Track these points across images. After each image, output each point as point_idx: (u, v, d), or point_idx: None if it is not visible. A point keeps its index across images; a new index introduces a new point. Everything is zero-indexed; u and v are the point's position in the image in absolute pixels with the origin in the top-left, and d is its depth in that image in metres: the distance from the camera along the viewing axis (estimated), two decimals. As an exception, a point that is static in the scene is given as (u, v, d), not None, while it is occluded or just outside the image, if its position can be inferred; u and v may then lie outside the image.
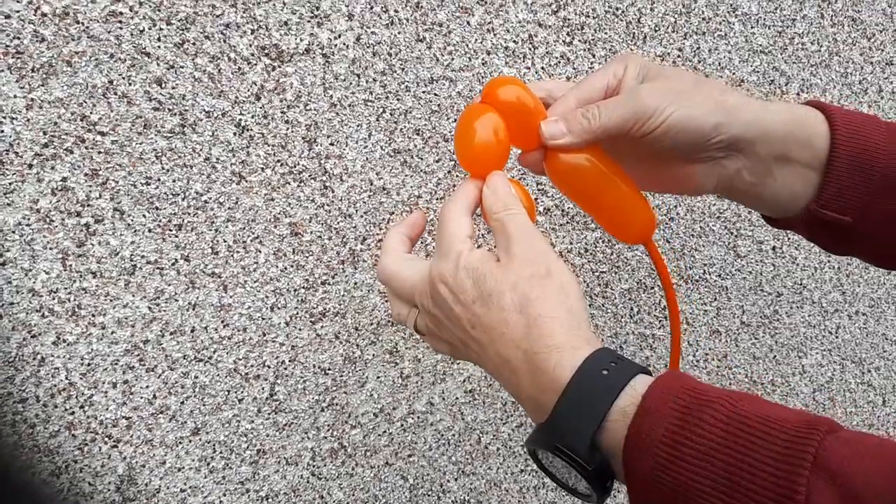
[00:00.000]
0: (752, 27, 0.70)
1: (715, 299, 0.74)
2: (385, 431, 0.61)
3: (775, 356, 0.80)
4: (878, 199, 0.41)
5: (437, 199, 0.59)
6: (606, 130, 0.40)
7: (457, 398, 0.64)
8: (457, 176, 0.60)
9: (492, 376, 0.40)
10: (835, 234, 0.42)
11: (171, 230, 0.51)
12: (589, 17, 0.62)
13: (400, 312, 0.45)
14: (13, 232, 0.46)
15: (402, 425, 0.62)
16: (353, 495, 0.61)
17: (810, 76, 0.74)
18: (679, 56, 0.67)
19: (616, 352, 0.35)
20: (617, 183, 0.43)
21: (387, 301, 0.59)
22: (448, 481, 0.65)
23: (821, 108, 0.43)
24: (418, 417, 0.62)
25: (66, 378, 0.49)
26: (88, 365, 0.50)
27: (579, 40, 0.62)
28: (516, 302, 0.36)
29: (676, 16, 0.66)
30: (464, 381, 0.64)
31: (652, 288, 0.70)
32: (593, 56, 0.63)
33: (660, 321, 0.71)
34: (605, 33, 0.63)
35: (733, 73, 0.70)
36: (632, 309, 0.70)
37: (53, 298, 0.48)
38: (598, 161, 0.42)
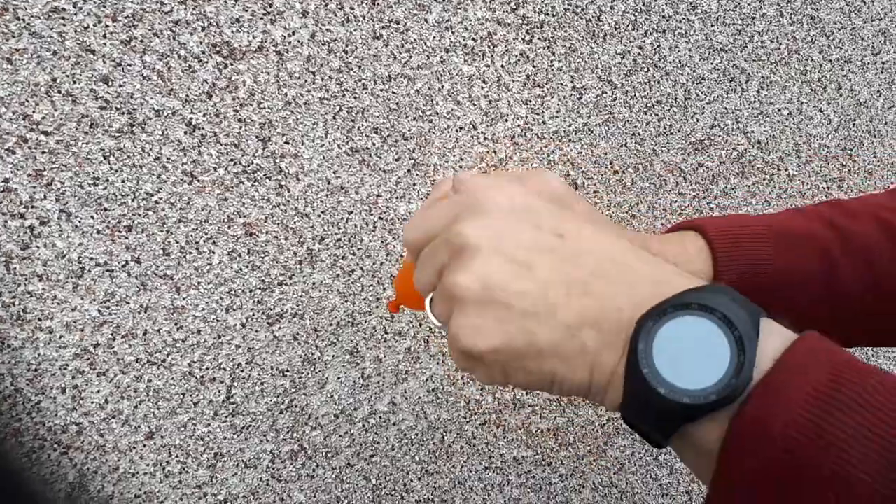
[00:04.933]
0: (711, 25, 0.70)
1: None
2: (346, 432, 0.60)
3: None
4: (769, 304, 0.39)
5: (396, 197, 0.59)
6: None
7: (419, 397, 0.63)
8: (416, 175, 0.59)
9: (572, 313, 0.28)
10: None
11: (120, 231, 0.49)
12: (548, 14, 0.62)
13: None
14: (-47, 235, 0.45)
15: (363, 426, 0.61)
16: (315, 497, 0.60)
17: (770, 74, 0.75)
18: (640, 54, 0.67)
19: None
20: None
21: (347, 301, 0.58)
22: (412, 481, 0.65)
23: (695, 228, 0.42)
24: (380, 418, 0.62)
25: (12, 384, 0.48)
26: (35, 370, 0.49)
27: (539, 38, 0.62)
28: (615, 230, 0.34)
29: (636, 14, 0.66)
30: (426, 380, 0.63)
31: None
32: (553, 54, 0.63)
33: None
34: (565, 31, 0.63)
35: (694, 71, 0.70)
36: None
37: (-3, 303, 0.47)
38: None
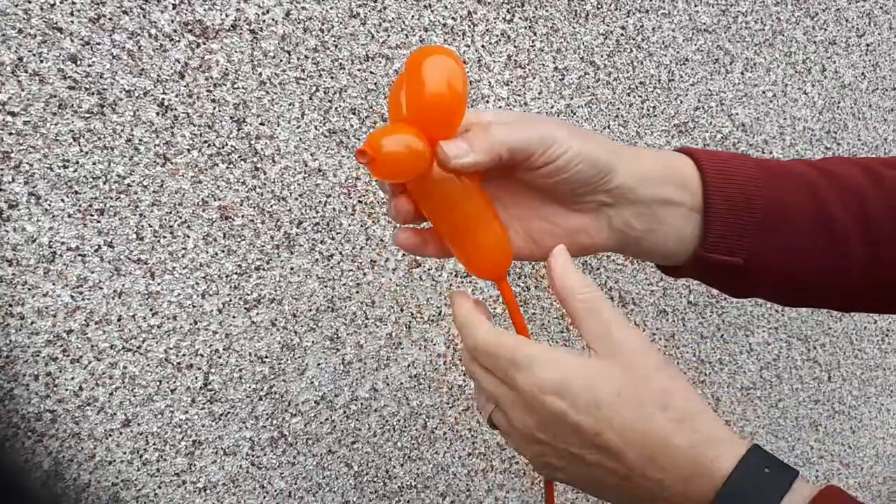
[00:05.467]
0: (695, 5, 0.70)
1: (661, 279, 0.74)
2: (327, 419, 0.60)
3: (723, 335, 0.81)
4: (763, 236, 0.40)
5: (375, 181, 0.58)
6: (511, 149, 0.37)
7: (401, 383, 0.63)
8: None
9: (611, 492, 0.36)
10: (730, 276, 0.42)
11: (92, 215, 0.48)
12: (529, -6, 0.61)
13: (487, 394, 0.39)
14: (-83, 218, 0.44)
15: (344, 412, 0.61)
16: (296, 484, 0.59)
17: (754, 55, 0.74)
18: (622, 34, 0.66)
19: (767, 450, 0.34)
20: (487, 209, 0.39)
21: (326, 286, 0.58)
22: (394, 467, 0.64)
23: (686, 153, 0.42)
24: (362, 404, 0.61)
25: (-18, 371, 0.47)
26: (7, 357, 0.48)
27: (520, 17, 0.61)
28: (655, 397, 0.34)
29: (619, -7, 0.65)
30: (408, 365, 0.63)
31: (598, 269, 0.70)
32: (534, 34, 0.62)
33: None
34: (547, 10, 0.62)
35: (677, 52, 0.70)
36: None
37: (-35, 288, 0.46)
38: (474, 183, 0.39)
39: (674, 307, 0.76)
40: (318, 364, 0.59)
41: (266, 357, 0.56)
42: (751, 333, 0.83)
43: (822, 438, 0.93)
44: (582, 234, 0.41)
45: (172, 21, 0.48)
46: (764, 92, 0.76)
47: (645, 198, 0.40)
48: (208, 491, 0.56)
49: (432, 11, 0.57)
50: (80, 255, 0.49)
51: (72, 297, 0.49)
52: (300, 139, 0.54)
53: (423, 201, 0.39)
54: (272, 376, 0.57)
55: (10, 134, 0.45)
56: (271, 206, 0.54)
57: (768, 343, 0.84)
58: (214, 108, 0.51)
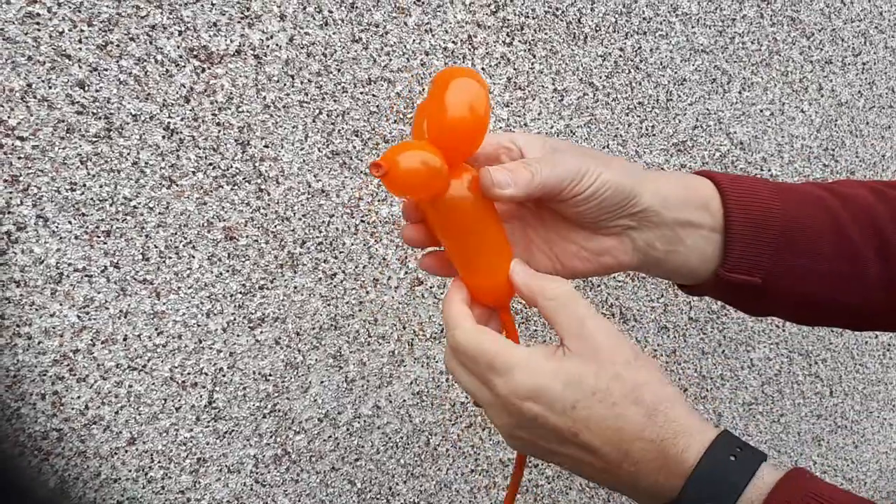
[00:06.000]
0: (692, 27, 0.71)
1: (662, 296, 0.75)
2: (331, 436, 0.60)
3: (724, 350, 0.81)
4: (782, 256, 0.41)
5: (378, 200, 0.59)
6: (545, 186, 0.38)
7: (404, 400, 0.63)
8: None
9: (593, 479, 0.37)
10: (749, 296, 0.43)
11: (98, 237, 0.49)
12: (529, 17, 0.62)
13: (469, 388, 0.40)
14: (-71, 241, 0.45)
15: (348, 429, 0.61)
16: (300, 501, 0.60)
17: (751, 75, 0.75)
18: (621, 56, 0.67)
19: (736, 435, 0.35)
20: (500, 235, 0.40)
21: (329, 304, 0.58)
22: (397, 484, 0.64)
23: (707, 176, 0.43)
24: (365, 421, 0.62)
25: (-10, 391, 0.48)
26: (14, 377, 0.48)
27: (519, 41, 0.62)
28: (627, 393, 0.35)
29: (617, 16, 0.66)
30: (411, 383, 0.63)
31: (598, 286, 0.71)
32: (533, 56, 0.63)
33: (607, 318, 0.72)
34: (546, 34, 0.63)
35: (675, 73, 0.71)
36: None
37: (-26, 309, 0.46)
38: (490, 208, 0.39)
39: (675, 323, 0.76)
40: (322, 382, 0.59)
41: (270, 375, 0.57)
42: (752, 349, 0.83)
43: (824, 453, 0.93)
44: (607, 256, 0.42)
45: (178, 47, 0.49)
46: (762, 111, 0.77)
47: (668, 220, 0.41)
48: (212, 509, 0.56)
49: (433, 36, 0.58)
50: (86, 275, 0.49)
51: (78, 317, 0.50)
52: (304, 161, 0.55)
53: (435, 221, 0.40)
54: (276, 394, 0.57)
55: (19, 158, 0.46)
56: (275, 226, 0.55)
57: (770, 358, 0.85)
58: (219, 131, 0.52)
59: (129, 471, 0.53)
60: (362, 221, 0.58)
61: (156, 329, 0.52)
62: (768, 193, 0.42)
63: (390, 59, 0.57)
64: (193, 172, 0.51)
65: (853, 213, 0.42)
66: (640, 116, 0.70)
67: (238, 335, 0.55)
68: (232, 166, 0.52)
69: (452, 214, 0.38)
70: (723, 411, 0.82)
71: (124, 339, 0.51)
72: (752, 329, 0.82)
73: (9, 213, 0.46)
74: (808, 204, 0.43)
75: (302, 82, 0.54)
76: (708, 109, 0.74)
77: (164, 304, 0.52)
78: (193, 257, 0.52)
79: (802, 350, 0.87)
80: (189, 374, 0.54)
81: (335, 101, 0.55)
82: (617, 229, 0.41)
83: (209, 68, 0.51)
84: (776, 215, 0.41)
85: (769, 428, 0.87)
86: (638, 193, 0.40)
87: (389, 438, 0.63)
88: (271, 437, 0.58)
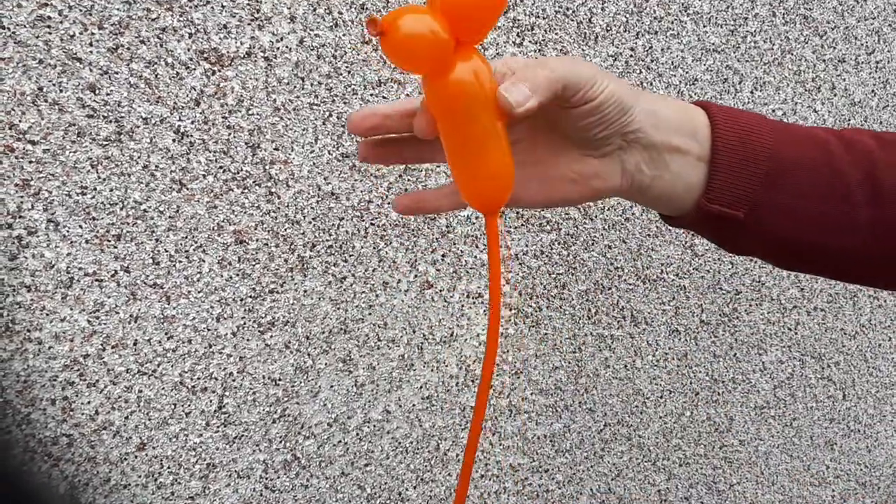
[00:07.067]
0: (704, 26, 0.70)
1: (673, 298, 0.74)
2: (340, 441, 0.60)
3: (735, 354, 0.80)
4: (766, 192, 0.41)
5: (388, 203, 0.58)
6: (567, 84, 0.37)
7: (414, 405, 0.63)
8: (407, 180, 0.59)
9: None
10: (730, 230, 0.43)
11: (109, 241, 0.49)
12: (539, 17, 0.62)
13: None
14: (-61, 246, 0.45)
15: (357, 434, 0.61)
16: (309, 507, 0.59)
17: (763, 74, 0.75)
18: (632, 56, 0.67)
19: None
20: (502, 132, 0.37)
21: (339, 308, 0.58)
22: (407, 489, 0.64)
23: (702, 106, 0.44)
24: (374, 426, 0.61)
25: (1, 396, 0.47)
26: (25, 382, 0.48)
27: (530, 41, 0.62)
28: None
29: (628, 15, 0.66)
30: (420, 387, 0.63)
31: (609, 289, 0.70)
32: (544, 57, 0.62)
33: (618, 321, 0.71)
34: (556, 34, 0.63)
35: (686, 73, 0.70)
36: (589, 310, 0.69)
37: (-16, 314, 0.46)
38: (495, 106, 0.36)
39: (686, 326, 0.75)
40: (331, 386, 0.59)
41: (279, 380, 0.56)
42: (764, 352, 0.82)
43: (837, 458, 0.92)
44: (596, 179, 0.42)
45: (188, 49, 0.49)
46: (774, 111, 0.76)
47: (656, 142, 0.41)
48: (222, 514, 0.56)
49: (443, 36, 0.58)
50: (97, 280, 0.49)
51: (88, 321, 0.49)
52: (314, 164, 0.55)
53: (436, 108, 0.37)
54: (285, 399, 0.57)
55: (31, 162, 0.46)
56: (285, 229, 0.54)
57: (782, 361, 0.84)
58: (230, 134, 0.51)
59: (139, 476, 0.53)
60: (372, 224, 0.58)
61: (166, 333, 0.52)
62: (767, 130, 0.42)
63: (400, 61, 0.57)
64: (204, 176, 0.51)
65: (854, 157, 0.42)
66: (651, 117, 0.69)
67: (248, 339, 0.55)
68: (242, 169, 0.52)
69: (454, 102, 0.35)
70: (734, 415, 0.82)
71: (134, 344, 0.51)
72: (764, 332, 0.82)
73: (20, 217, 0.46)
74: (806, 143, 0.42)
75: (312, 84, 0.54)
76: (720, 110, 0.73)
77: (174, 308, 0.52)
78: (203, 261, 0.52)
79: (815, 353, 0.86)
80: (199, 378, 0.53)
81: (345, 103, 0.55)
82: (609, 149, 0.41)
83: (219, 71, 0.50)
84: (766, 150, 0.41)
85: (781, 432, 0.86)
86: (634, 112, 0.40)
87: (399, 443, 0.63)
88: (281, 441, 0.57)
